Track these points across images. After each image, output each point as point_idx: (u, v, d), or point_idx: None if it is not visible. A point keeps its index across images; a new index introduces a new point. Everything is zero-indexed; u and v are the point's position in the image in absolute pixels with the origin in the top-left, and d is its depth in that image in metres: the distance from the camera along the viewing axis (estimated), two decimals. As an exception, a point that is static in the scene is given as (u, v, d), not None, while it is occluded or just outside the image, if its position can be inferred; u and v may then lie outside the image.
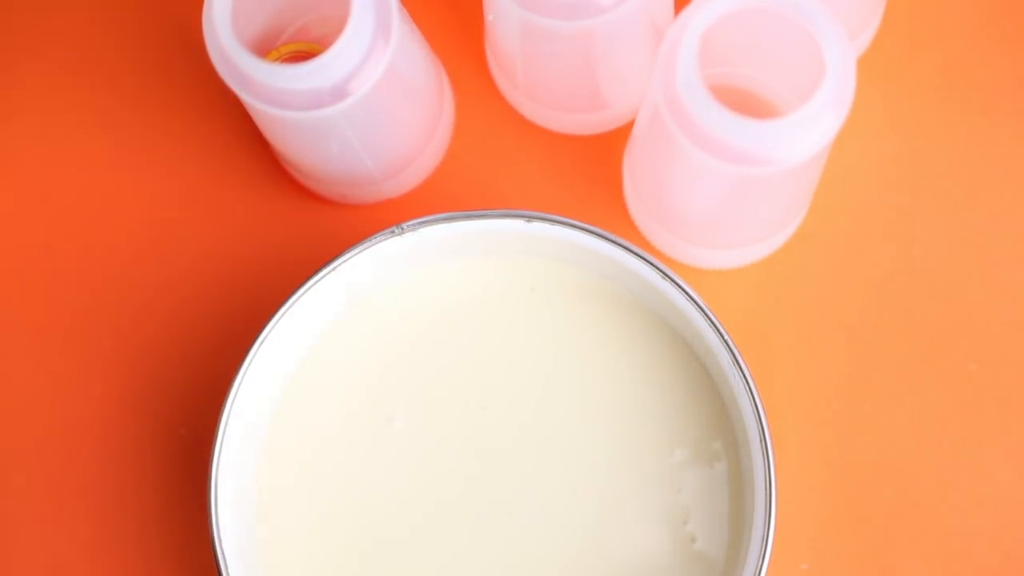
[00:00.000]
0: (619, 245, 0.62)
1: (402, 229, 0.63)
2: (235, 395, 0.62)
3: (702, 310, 0.61)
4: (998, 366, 0.68)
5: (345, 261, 0.63)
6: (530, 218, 0.63)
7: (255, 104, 0.60)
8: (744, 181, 0.59)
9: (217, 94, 0.71)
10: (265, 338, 0.62)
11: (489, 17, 0.66)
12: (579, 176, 0.70)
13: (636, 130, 0.64)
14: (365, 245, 0.63)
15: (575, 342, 0.65)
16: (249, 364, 0.62)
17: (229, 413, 0.62)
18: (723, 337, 0.61)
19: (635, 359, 0.65)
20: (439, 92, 0.69)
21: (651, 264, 0.62)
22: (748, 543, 0.61)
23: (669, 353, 0.64)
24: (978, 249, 0.69)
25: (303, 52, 0.67)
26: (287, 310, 0.62)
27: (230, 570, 0.61)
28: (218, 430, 0.62)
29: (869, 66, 0.70)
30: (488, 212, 0.63)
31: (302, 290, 0.62)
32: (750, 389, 0.61)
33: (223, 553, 0.61)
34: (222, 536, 0.61)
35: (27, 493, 0.68)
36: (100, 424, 0.68)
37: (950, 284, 0.68)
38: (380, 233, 0.63)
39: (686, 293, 0.62)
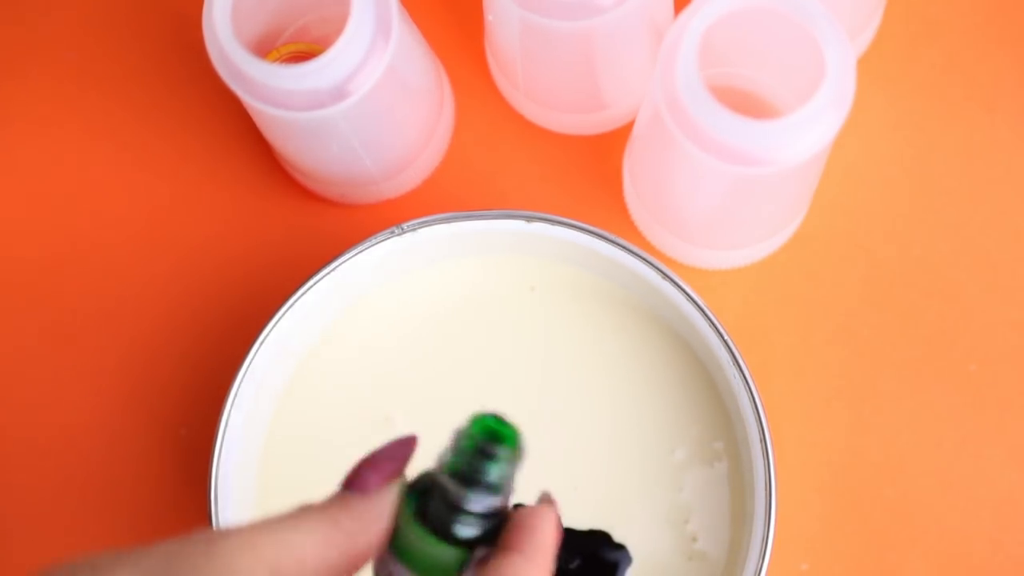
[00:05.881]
0: (619, 245, 0.62)
1: (402, 229, 0.63)
2: (235, 395, 0.62)
3: (702, 310, 0.61)
4: (998, 366, 0.68)
5: (345, 261, 0.63)
6: (530, 218, 0.63)
7: (255, 104, 0.60)
8: (744, 181, 0.59)
9: (217, 94, 0.71)
10: (265, 338, 0.62)
11: (489, 17, 0.66)
12: (579, 176, 0.70)
13: (636, 130, 0.64)
14: (365, 245, 0.63)
15: (575, 342, 0.65)
16: (249, 364, 0.62)
17: (229, 413, 0.62)
18: (723, 337, 0.61)
19: (635, 359, 0.65)
20: (439, 92, 0.68)
21: (651, 264, 0.62)
22: (748, 543, 0.61)
23: (669, 353, 0.64)
24: (978, 249, 0.69)
25: (303, 52, 0.67)
26: (287, 310, 0.62)
27: (230, 570, 0.61)
28: (218, 430, 0.62)
29: (869, 66, 0.70)
30: (488, 212, 0.63)
31: (302, 290, 0.63)
32: (750, 389, 0.61)
33: (223, 553, 0.61)
34: (222, 536, 0.61)
35: (27, 493, 0.68)
36: (100, 424, 0.68)
37: (950, 284, 0.68)
38: (380, 233, 0.63)
39: (686, 293, 0.62)
